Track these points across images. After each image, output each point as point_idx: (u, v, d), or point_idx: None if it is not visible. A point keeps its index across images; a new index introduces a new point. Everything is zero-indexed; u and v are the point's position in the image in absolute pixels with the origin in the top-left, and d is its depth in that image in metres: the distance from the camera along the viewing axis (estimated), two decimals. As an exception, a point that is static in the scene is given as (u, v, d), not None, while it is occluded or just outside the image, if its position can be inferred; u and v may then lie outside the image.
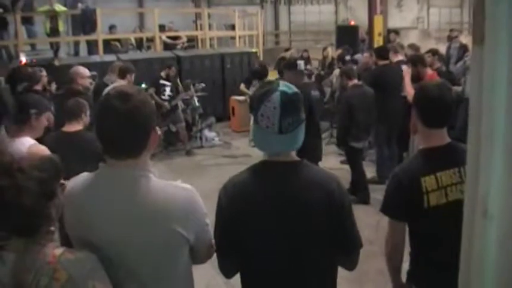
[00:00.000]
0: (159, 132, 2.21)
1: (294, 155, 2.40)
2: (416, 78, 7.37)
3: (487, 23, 1.59)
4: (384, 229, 3.19)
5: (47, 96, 7.55)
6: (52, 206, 1.99)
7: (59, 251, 1.96)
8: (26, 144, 3.99)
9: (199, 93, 11.76)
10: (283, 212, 2.28)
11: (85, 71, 7.21)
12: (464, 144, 1.94)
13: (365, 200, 7.68)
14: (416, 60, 7.78)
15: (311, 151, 5.84)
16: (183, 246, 2.16)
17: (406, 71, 7.73)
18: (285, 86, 2.32)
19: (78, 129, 4.94)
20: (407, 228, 3.00)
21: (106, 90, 7.33)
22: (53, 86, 8.65)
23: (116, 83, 7.72)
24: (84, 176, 2.21)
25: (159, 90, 10.72)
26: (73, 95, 6.34)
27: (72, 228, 2.18)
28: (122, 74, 7.82)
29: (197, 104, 11.65)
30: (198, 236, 2.18)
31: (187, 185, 2.24)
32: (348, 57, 12.11)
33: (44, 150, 3.98)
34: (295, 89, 2.35)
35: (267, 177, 2.36)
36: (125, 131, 2.06)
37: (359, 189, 7.84)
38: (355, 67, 9.31)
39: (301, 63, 6.85)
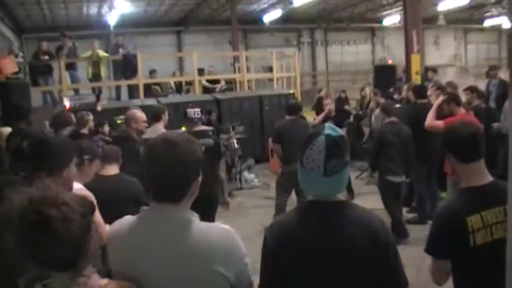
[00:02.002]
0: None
1: (339, 196, 2.44)
2: (447, 116, 7.33)
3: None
4: (425, 271, 3.17)
5: (97, 138, 7.66)
6: (90, 239, 2.05)
7: (103, 281, 2.04)
8: (74, 188, 4.02)
9: (238, 136, 11.87)
10: (329, 252, 2.31)
11: (141, 116, 7.07)
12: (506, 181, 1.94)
13: (401, 237, 7.54)
14: (451, 99, 7.74)
15: None
16: (224, 286, 2.19)
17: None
18: (330, 129, 2.38)
19: (116, 173, 5.04)
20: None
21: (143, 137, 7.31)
22: (106, 128, 8.78)
23: (152, 127, 7.64)
24: (128, 218, 2.31)
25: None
26: (125, 139, 6.74)
27: (116, 265, 2.26)
28: (156, 117, 7.75)
29: (236, 146, 11.74)
30: (238, 275, 2.22)
31: (227, 226, 2.30)
32: (396, 96, 12.01)
33: (90, 194, 3.98)
34: (340, 132, 2.41)
35: (313, 217, 2.40)
36: (166, 177, 2.17)
37: (395, 226, 7.72)
38: (397, 105, 9.30)
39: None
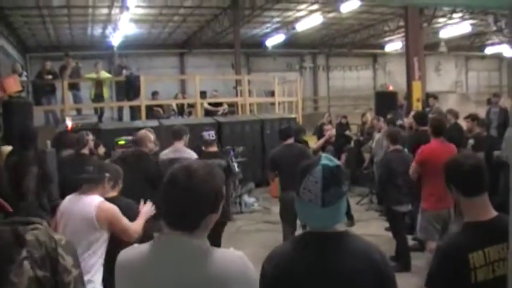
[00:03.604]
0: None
1: (337, 226, 2.42)
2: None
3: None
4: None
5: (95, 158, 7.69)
6: None
7: None
8: (96, 201, 4.29)
9: (239, 159, 11.87)
10: (328, 283, 2.30)
11: (152, 136, 7.31)
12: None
13: (406, 267, 7.54)
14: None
15: None
16: None
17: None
18: (326, 159, 2.38)
19: (114, 196, 4.98)
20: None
21: (163, 158, 7.38)
22: (101, 150, 8.79)
23: (172, 147, 7.68)
24: (139, 247, 2.29)
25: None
26: (140, 157, 6.93)
27: None
28: (178, 136, 7.74)
29: (237, 169, 11.71)
30: None
31: (240, 252, 2.29)
32: (399, 122, 12.03)
33: (112, 206, 4.29)
34: (337, 162, 2.41)
35: (312, 249, 2.37)
36: (181, 206, 2.16)
37: (401, 255, 7.72)
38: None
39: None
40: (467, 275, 2.76)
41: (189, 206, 2.15)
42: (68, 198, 4.55)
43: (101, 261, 4.27)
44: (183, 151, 7.53)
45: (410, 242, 8.33)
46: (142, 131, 7.35)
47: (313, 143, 11.40)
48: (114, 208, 4.29)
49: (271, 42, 27.13)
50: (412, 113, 10.93)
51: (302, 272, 2.32)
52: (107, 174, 4.55)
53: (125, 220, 4.34)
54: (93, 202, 4.29)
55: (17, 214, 2.32)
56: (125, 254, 2.31)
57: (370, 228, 9.48)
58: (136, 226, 4.46)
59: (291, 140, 7.91)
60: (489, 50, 32.38)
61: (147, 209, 4.75)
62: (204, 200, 2.18)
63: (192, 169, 2.20)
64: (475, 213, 2.91)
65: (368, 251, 2.37)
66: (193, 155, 7.43)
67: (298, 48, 30.55)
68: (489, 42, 31.23)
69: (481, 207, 2.92)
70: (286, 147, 7.88)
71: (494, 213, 2.92)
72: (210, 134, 7.30)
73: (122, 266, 2.27)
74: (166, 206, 2.22)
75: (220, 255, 2.21)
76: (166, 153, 7.60)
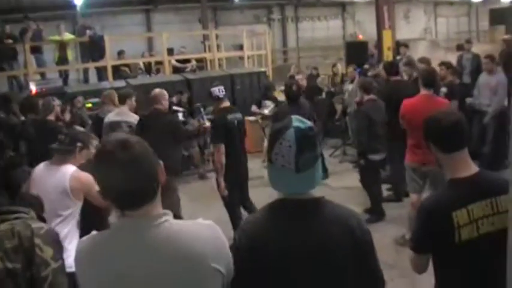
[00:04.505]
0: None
1: (312, 192, 2.30)
2: None
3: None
4: (404, 252, 3.09)
5: (61, 125, 7.57)
6: None
7: None
8: (69, 171, 4.31)
9: (209, 116, 11.69)
10: (304, 251, 2.19)
11: (166, 94, 7.57)
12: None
13: (379, 218, 7.53)
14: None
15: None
16: (220, 282, 2.09)
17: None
18: (298, 121, 2.24)
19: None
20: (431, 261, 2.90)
21: (106, 121, 7.48)
22: (67, 116, 8.63)
23: (117, 110, 7.73)
24: (98, 234, 2.12)
25: (172, 116, 10.68)
26: (162, 115, 7.28)
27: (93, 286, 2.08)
28: (122, 100, 7.80)
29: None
30: (227, 269, 2.13)
31: (209, 221, 2.17)
32: (370, 73, 11.93)
33: (86, 175, 4.25)
34: (309, 123, 2.27)
35: (285, 216, 2.26)
36: (134, 181, 1.98)
37: (374, 206, 7.70)
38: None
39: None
40: (451, 234, 2.70)
41: (137, 179, 1.98)
42: (40, 167, 4.52)
43: (75, 229, 4.28)
44: (125, 114, 7.62)
45: (385, 192, 8.33)
46: (156, 90, 7.58)
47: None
48: (87, 177, 4.24)
49: (238, -6, 26.75)
50: (381, 65, 10.85)
51: (278, 242, 2.20)
52: (79, 144, 4.49)
53: (96, 188, 4.25)
54: (67, 172, 4.30)
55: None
56: (84, 244, 2.12)
57: (345, 181, 9.46)
58: None
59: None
60: (458, -5, 32.34)
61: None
62: (149, 170, 2.02)
63: (125, 140, 2.01)
64: (456, 169, 2.84)
65: (346, 218, 2.26)
66: (136, 118, 7.52)
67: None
68: (457, -13, 31.15)
69: (463, 163, 2.85)
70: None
71: (475, 168, 2.86)
72: (220, 90, 6.93)
73: (80, 258, 2.09)
74: (109, 189, 2.02)
75: (187, 227, 2.09)
76: (109, 117, 7.69)
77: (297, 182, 2.21)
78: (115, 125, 7.41)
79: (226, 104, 7.03)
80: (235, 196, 6.78)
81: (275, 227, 2.25)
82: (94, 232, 2.15)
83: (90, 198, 4.30)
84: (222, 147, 6.58)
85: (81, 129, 7.76)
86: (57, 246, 2.31)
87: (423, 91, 6.51)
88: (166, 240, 2.01)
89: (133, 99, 7.79)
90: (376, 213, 7.60)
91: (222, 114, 6.79)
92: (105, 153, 2.02)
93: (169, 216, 2.08)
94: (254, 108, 12.04)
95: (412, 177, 6.39)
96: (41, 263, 2.17)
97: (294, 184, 2.23)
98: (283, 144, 2.18)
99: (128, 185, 1.97)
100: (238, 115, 6.91)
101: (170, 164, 6.89)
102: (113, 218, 4.06)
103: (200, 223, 2.15)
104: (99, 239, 2.10)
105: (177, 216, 3.05)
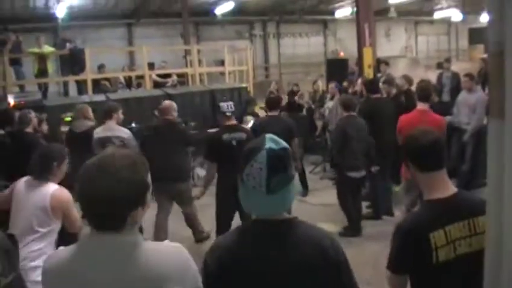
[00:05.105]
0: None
1: (284, 213, 2.26)
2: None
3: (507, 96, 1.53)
4: (381, 268, 3.05)
5: (39, 137, 7.52)
6: None
7: None
8: (50, 190, 4.28)
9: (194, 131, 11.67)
10: (276, 273, 2.15)
11: (175, 105, 7.76)
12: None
13: (354, 234, 7.45)
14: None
15: None
16: None
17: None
18: (272, 142, 2.20)
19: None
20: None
21: (95, 137, 7.38)
22: (44, 127, 8.55)
23: (103, 125, 7.63)
24: (66, 249, 2.10)
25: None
26: (173, 126, 7.54)
27: None
28: (108, 115, 7.69)
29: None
30: None
31: (176, 243, 2.15)
32: (350, 90, 11.99)
33: (67, 196, 4.28)
34: (284, 144, 2.23)
35: (257, 237, 2.22)
36: (100, 205, 1.97)
37: (349, 222, 7.62)
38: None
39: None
40: (429, 255, 2.67)
41: (108, 205, 1.95)
42: (21, 182, 4.48)
43: (52, 247, 4.20)
44: (115, 129, 7.51)
45: (365, 210, 8.31)
46: (165, 102, 7.89)
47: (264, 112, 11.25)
48: (67, 198, 4.28)
49: (220, 10, 26.65)
50: (360, 80, 10.91)
51: (248, 263, 2.16)
52: (55, 163, 4.44)
53: (75, 211, 4.27)
54: (48, 190, 4.28)
55: None
56: (52, 260, 2.11)
57: (325, 197, 9.44)
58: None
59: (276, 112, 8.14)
60: (438, 15, 32.66)
61: None
62: (124, 197, 1.98)
63: (105, 163, 2.00)
64: (434, 189, 2.82)
65: (318, 238, 2.23)
66: (126, 132, 7.50)
67: (248, 15, 30.13)
68: (438, 6, 31.45)
69: (440, 183, 2.83)
70: (270, 118, 8.09)
71: (453, 189, 2.83)
72: (229, 106, 6.75)
73: (47, 272, 2.07)
74: (86, 206, 2.02)
75: (154, 248, 2.06)
76: (97, 132, 7.55)
77: (268, 203, 2.18)
78: (105, 141, 7.27)
79: (232, 122, 6.82)
80: (225, 209, 6.69)
81: (244, 248, 2.21)
82: (61, 248, 2.14)
83: (66, 220, 4.31)
84: (214, 166, 6.68)
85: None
86: (11, 259, 2.21)
87: (419, 106, 6.63)
88: (131, 260, 1.99)
89: (120, 112, 7.72)
90: (352, 231, 7.53)
91: (217, 133, 6.83)
92: (85, 175, 2.02)
93: (139, 239, 2.06)
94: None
95: (408, 191, 6.42)
96: None
97: (265, 205, 2.20)
98: (254, 166, 2.15)
99: (102, 209, 1.98)
100: (239, 134, 6.64)
101: (183, 171, 7.27)
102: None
103: (167, 245, 2.15)
104: (64, 254, 2.08)
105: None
